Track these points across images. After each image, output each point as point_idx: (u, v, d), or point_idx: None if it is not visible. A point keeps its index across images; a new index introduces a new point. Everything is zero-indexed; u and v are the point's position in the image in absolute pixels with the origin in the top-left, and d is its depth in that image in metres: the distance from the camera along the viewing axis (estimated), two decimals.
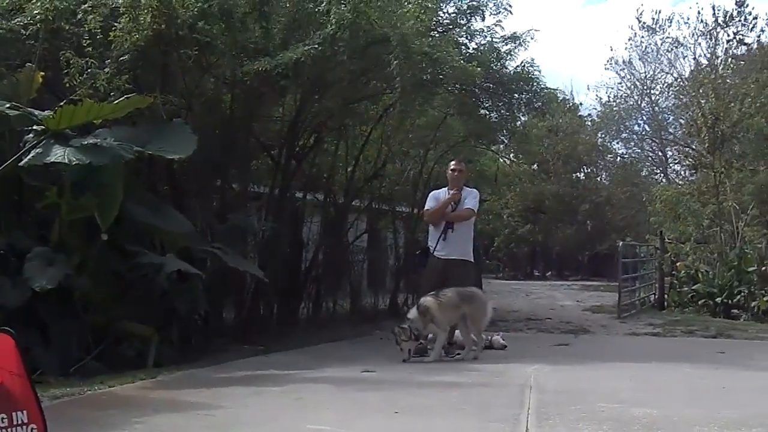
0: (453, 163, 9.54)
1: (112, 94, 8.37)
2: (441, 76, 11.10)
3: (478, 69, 10.56)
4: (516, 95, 12.82)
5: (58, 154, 7.10)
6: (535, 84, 12.62)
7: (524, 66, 12.57)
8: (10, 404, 3.87)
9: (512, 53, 12.36)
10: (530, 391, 6.19)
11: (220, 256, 8.97)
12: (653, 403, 5.61)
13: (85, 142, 7.40)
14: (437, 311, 8.36)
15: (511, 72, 12.68)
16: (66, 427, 4.60)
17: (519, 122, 15.56)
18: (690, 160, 23.20)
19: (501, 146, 19.21)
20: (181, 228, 8.62)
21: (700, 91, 21.45)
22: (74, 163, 7.10)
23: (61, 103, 7.35)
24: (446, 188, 9.32)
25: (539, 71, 12.46)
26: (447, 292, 8.52)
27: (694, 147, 24.60)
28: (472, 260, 9.37)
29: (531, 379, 6.91)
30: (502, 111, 13.63)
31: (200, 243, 9.14)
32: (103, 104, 7.51)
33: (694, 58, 29.92)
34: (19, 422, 3.89)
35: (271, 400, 5.96)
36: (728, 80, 23.30)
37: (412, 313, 8.53)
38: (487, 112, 13.96)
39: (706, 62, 27.64)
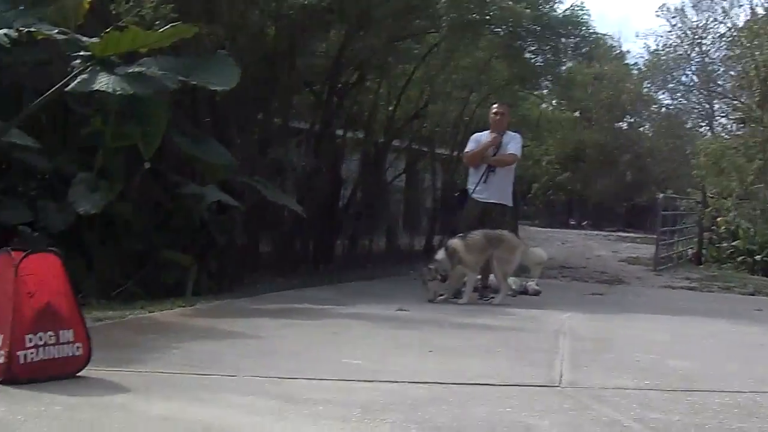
0: (495, 106, 9.42)
1: (157, 22, 8.32)
2: (488, 17, 10.95)
3: (527, 10, 10.41)
4: (563, 39, 12.65)
5: (103, 82, 7.12)
6: (583, 28, 12.44)
7: (573, 9, 12.40)
8: (56, 323, 3.97)
9: None
10: (564, 338, 6.20)
11: (260, 189, 9.02)
12: (689, 356, 5.59)
13: (130, 71, 7.41)
14: (464, 252, 8.35)
15: (560, 15, 12.48)
16: (109, 348, 4.69)
17: (564, 67, 15.35)
18: (738, 113, 22.71)
19: (544, 91, 19.01)
20: (222, 160, 8.65)
21: (755, 42, 20.87)
22: (118, 92, 7.11)
23: (107, 30, 7.32)
24: (488, 131, 9.23)
25: (588, 15, 12.27)
26: (475, 234, 8.51)
27: (743, 100, 24.07)
28: (511, 205, 9.34)
29: (565, 325, 6.92)
30: (548, 55, 13.48)
31: (240, 175, 9.18)
32: (149, 32, 7.47)
33: (751, 8, 29.10)
34: (66, 341, 3.99)
35: (307, 332, 6.03)
36: None
37: (440, 254, 8.55)
38: (533, 56, 13.79)
39: (764, 12, 26.87)
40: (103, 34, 7.30)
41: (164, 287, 8.12)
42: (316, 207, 11.47)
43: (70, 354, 3.99)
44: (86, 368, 4.07)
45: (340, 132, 12.92)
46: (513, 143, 9.06)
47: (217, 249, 9.18)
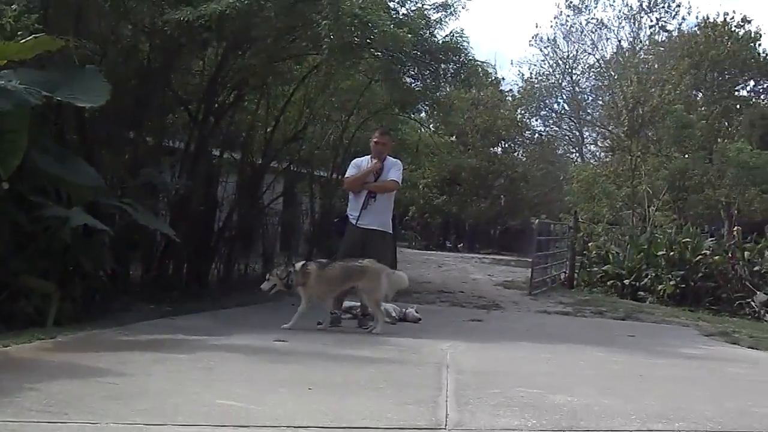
0: (377, 134, 9.29)
1: (20, 33, 7.82)
2: (369, 40, 10.81)
3: (409, 35, 10.32)
4: (443, 65, 12.62)
5: None
6: (463, 55, 12.44)
7: (453, 36, 12.38)
8: None
9: (442, 22, 12.16)
10: (447, 371, 6.05)
11: (130, 212, 8.55)
12: (572, 389, 5.52)
13: None
14: (314, 280, 8.28)
15: (440, 41, 12.48)
16: None
17: (443, 93, 15.41)
18: (607, 142, 23.57)
19: (423, 115, 19.07)
20: (89, 181, 8.16)
21: (622, 73, 21.71)
22: None
23: None
24: (369, 156, 9.09)
25: (468, 42, 12.28)
26: (334, 266, 8.47)
27: (611, 129, 24.98)
28: (391, 231, 9.22)
29: (447, 357, 6.78)
30: (428, 80, 13.43)
31: (109, 197, 8.70)
32: (9, 43, 6.99)
33: (617, 41, 30.35)
34: None
35: (179, 368, 5.67)
36: (649, 65, 23.71)
37: (298, 265, 8.47)
38: (413, 81, 13.75)
39: (629, 45, 28.08)
40: None
41: (24, 317, 7.56)
42: (190, 230, 11.06)
43: None
44: None
45: (216, 152, 12.52)
46: (394, 170, 8.95)
47: (82, 274, 8.66)
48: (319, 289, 8.33)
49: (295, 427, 4.04)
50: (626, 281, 16.55)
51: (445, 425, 4.26)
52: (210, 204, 12.39)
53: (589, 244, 18.91)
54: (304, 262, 8.65)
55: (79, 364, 5.57)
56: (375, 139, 9.10)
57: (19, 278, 7.67)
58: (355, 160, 9.33)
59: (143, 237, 10.38)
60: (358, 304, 8.98)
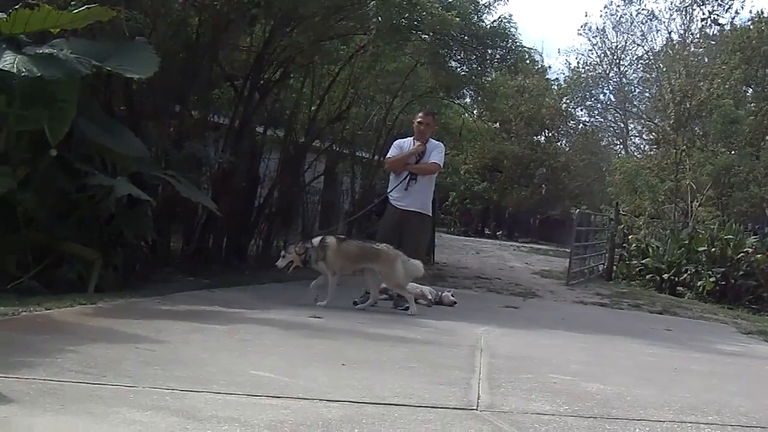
0: (421, 115, 9.26)
1: (72, 2, 7.91)
2: (417, 22, 10.81)
3: (456, 19, 10.30)
4: (490, 50, 12.59)
5: (8, 61, 6.69)
6: (510, 41, 12.40)
7: (501, 21, 12.36)
8: None
9: (491, 6, 12.12)
10: (481, 354, 6.05)
11: (173, 184, 8.66)
12: (605, 378, 5.50)
13: (40, 51, 7.00)
14: (333, 253, 8.22)
15: (488, 26, 12.44)
16: None
17: (489, 78, 15.34)
18: (652, 134, 23.26)
19: (467, 101, 19.01)
20: (135, 151, 8.26)
21: (671, 66, 21.39)
22: (23, 74, 6.69)
23: (17, 6, 6.89)
24: (411, 138, 9.08)
25: (516, 28, 12.26)
26: (352, 243, 8.54)
27: (657, 122, 24.66)
28: (430, 214, 9.21)
29: (481, 340, 6.78)
30: (474, 65, 13.43)
31: (154, 169, 8.80)
32: (62, 12, 7.08)
33: (668, 33, 29.92)
34: None
35: (214, 338, 5.73)
36: (699, 59, 23.32)
37: (315, 240, 8.39)
38: (458, 65, 13.73)
39: (679, 38, 27.63)
40: (11, 10, 6.87)
41: (66, 282, 7.71)
42: (231, 205, 11.15)
43: None
44: None
45: (260, 129, 12.60)
46: (436, 152, 8.93)
47: (125, 244, 8.79)
48: (338, 263, 8.27)
49: (327, 400, 4.07)
50: (665, 276, 16.41)
51: (477, 406, 4.27)
52: (252, 180, 12.49)
53: (629, 237, 18.74)
54: (322, 236, 8.58)
55: (118, 330, 5.66)
56: (418, 120, 9.08)
57: (62, 244, 7.80)
58: (397, 141, 9.33)
59: (185, 209, 10.50)
60: None
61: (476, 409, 4.21)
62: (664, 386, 5.47)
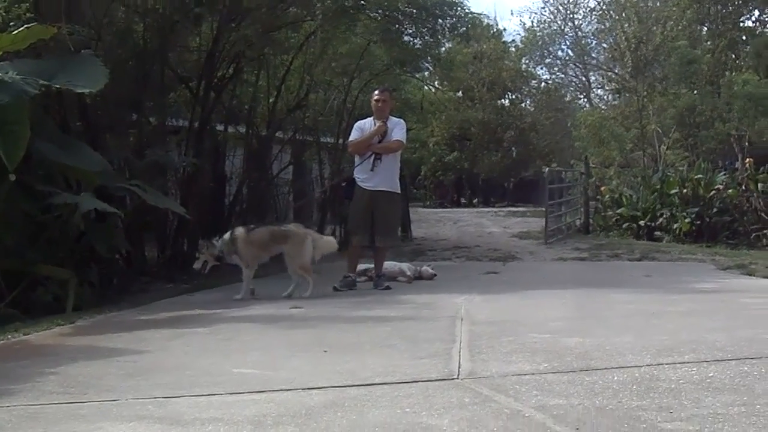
0: (376, 93, 9.24)
1: (12, 24, 7.83)
2: (363, 2, 10.79)
3: None
4: (440, 20, 12.59)
5: None
6: (459, 9, 12.40)
7: None
8: None
9: None
10: (461, 323, 6.10)
11: (139, 194, 8.62)
12: (585, 331, 5.57)
13: None
14: (242, 244, 8.23)
15: None
16: None
17: (443, 49, 15.35)
18: (613, 84, 23.36)
19: (426, 74, 19.01)
20: (95, 165, 8.22)
21: (623, 14, 21.46)
22: None
23: None
24: (371, 118, 9.07)
25: None
26: (261, 229, 8.49)
27: (617, 71, 24.76)
28: (399, 191, 9.21)
29: (462, 310, 6.83)
30: (426, 37, 13.43)
31: (118, 180, 8.77)
32: (2, 34, 7.01)
33: None
34: None
35: (196, 342, 5.75)
36: (650, 3, 23.39)
37: (226, 235, 8.39)
38: (411, 39, 13.72)
39: None
40: None
41: (43, 305, 7.69)
42: (201, 207, 11.13)
43: None
44: None
45: (220, 128, 12.55)
46: (398, 129, 8.90)
47: (98, 259, 8.76)
48: (250, 253, 8.25)
49: (309, 388, 4.10)
50: (642, 222, 16.55)
51: (458, 375, 4.32)
52: (219, 179, 12.47)
53: (602, 189, 18.86)
54: (231, 230, 8.56)
55: (99, 345, 5.67)
56: (375, 98, 9.06)
57: (35, 267, 7.77)
58: (358, 123, 9.32)
59: (155, 217, 10.46)
60: (373, 266, 9.05)
61: (457, 378, 4.26)
62: (642, 332, 5.55)
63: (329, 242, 8.70)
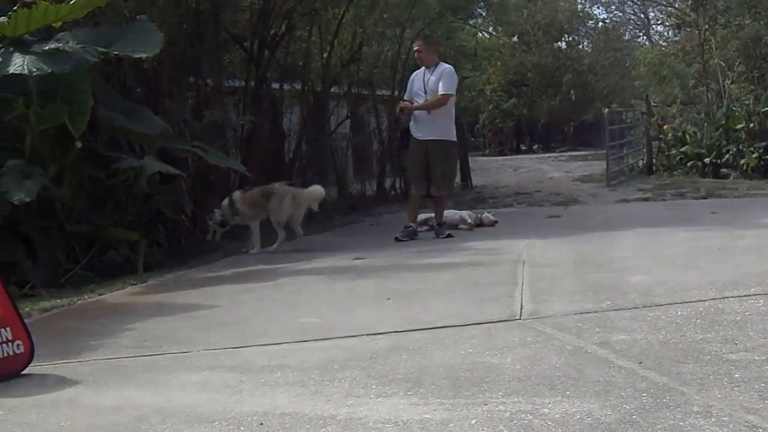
0: (414, 43, 9.28)
1: None
2: None
3: None
4: None
5: (18, 63, 6.79)
6: None
7: None
8: None
9: None
10: (523, 267, 6.13)
11: (201, 155, 8.79)
12: (649, 269, 5.56)
13: (46, 48, 7.09)
14: (241, 205, 8.61)
15: None
16: (55, 339, 4.54)
17: None
18: (673, 19, 22.72)
19: (479, 19, 18.78)
20: (157, 129, 8.38)
21: None
22: (35, 73, 6.80)
23: (15, 7, 6.98)
24: (423, 68, 9.01)
25: None
26: (253, 190, 8.81)
27: (676, 5, 24.07)
28: (455, 139, 9.16)
29: (524, 254, 6.84)
30: None
31: (179, 142, 8.93)
32: (60, 5, 7.14)
33: None
34: (4, 339, 3.81)
35: (263, 295, 5.89)
36: None
37: (225, 202, 8.75)
38: None
39: None
40: (11, 12, 6.96)
41: (115, 266, 7.93)
42: (261, 164, 11.24)
43: (11, 353, 3.81)
44: (32, 365, 3.90)
45: (276, 85, 12.64)
46: (444, 80, 8.74)
47: (165, 220, 8.99)
48: (250, 212, 8.63)
49: (374, 334, 4.20)
50: (707, 160, 16.25)
51: (520, 315, 4.37)
52: (277, 137, 12.57)
53: (665, 127, 18.51)
54: (229, 196, 8.90)
55: (170, 302, 5.85)
56: (414, 49, 9.11)
57: (105, 231, 8.01)
58: (412, 75, 9.26)
59: (217, 177, 10.63)
60: (433, 215, 9.10)
61: (519, 318, 4.31)
62: (707, 268, 5.52)
63: (312, 192, 8.94)
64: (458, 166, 12.17)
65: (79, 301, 6.04)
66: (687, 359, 3.35)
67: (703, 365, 3.26)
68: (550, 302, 4.66)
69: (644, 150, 18.29)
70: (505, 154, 35.32)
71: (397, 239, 8.61)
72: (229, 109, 11.24)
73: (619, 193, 13.51)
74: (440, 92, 8.66)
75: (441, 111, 8.76)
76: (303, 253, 8.05)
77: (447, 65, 8.99)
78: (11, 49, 7.01)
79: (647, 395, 2.93)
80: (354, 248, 8.04)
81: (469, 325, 4.23)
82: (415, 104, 8.78)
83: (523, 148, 39.28)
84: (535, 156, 32.83)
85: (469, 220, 9.48)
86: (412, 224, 8.83)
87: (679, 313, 4.15)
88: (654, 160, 17.78)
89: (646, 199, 12.27)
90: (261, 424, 2.92)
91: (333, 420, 2.90)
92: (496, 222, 9.57)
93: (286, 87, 12.85)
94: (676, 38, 25.74)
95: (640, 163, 18.49)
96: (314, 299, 5.53)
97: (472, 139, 33.41)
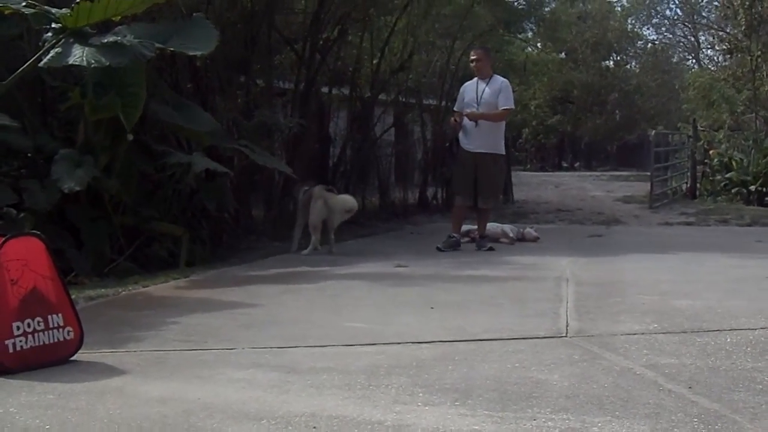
0: (472, 52, 9.27)
1: None
2: None
3: None
4: None
5: (77, 54, 6.88)
6: None
7: None
8: (44, 308, 3.83)
9: None
10: (567, 284, 6.10)
11: (248, 154, 8.85)
12: (695, 294, 5.50)
13: (105, 41, 7.18)
14: (300, 206, 8.78)
15: None
16: (103, 329, 4.58)
17: (547, 9, 15.10)
18: (725, 44, 22.49)
19: (529, 34, 18.74)
20: (206, 126, 8.46)
21: None
22: (93, 65, 6.89)
23: (78, 1, 7.09)
24: (475, 79, 9.01)
25: None
26: (306, 192, 8.78)
27: (728, 31, 23.80)
28: (503, 153, 9.16)
29: (567, 271, 6.81)
30: None
31: (227, 141, 9.00)
32: (121, 0, 7.24)
33: None
34: (55, 325, 3.86)
35: (306, 297, 5.91)
36: None
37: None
38: None
39: None
40: (73, 5, 7.07)
41: (158, 260, 8.01)
42: (305, 167, 11.31)
43: (61, 339, 3.86)
44: (79, 352, 3.95)
45: (325, 89, 12.71)
46: (503, 94, 8.73)
47: (208, 217, 9.05)
48: (304, 215, 8.68)
49: (419, 342, 4.20)
50: (752, 188, 16.02)
51: (566, 333, 4.34)
52: (323, 140, 12.66)
53: (711, 152, 18.27)
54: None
55: (214, 298, 5.90)
56: (471, 57, 9.11)
57: (151, 224, 8.09)
58: (463, 86, 9.27)
59: (262, 177, 10.71)
60: (476, 227, 9.07)
61: (566, 336, 4.29)
62: (755, 296, 5.45)
63: (343, 201, 8.83)
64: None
65: (124, 292, 6.10)
66: (738, 387, 3.31)
67: (755, 394, 3.22)
68: (596, 321, 4.63)
69: (688, 174, 18.08)
70: (546, 170, 35.13)
71: (438, 249, 8.60)
72: (277, 110, 11.32)
73: (662, 216, 13.38)
74: (502, 106, 8.70)
75: (492, 124, 8.76)
76: (345, 257, 8.08)
77: (503, 78, 9.00)
78: (71, 40, 7.10)
79: (698, 421, 2.89)
80: (395, 255, 8.05)
81: (515, 339, 4.21)
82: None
83: (565, 165, 39.05)
84: (576, 174, 32.60)
85: (511, 234, 9.46)
86: (455, 235, 8.83)
87: (728, 339, 4.10)
88: (698, 185, 17.58)
89: (689, 224, 12.14)
90: (313, 427, 2.91)
91: (381, 425, 2.89)
92: (538, 238, 9.52)
93: (334, 91, 12.92)
94: (726, 63, 25.46)
95: (684, 187, 18.28)
96: (357, 304, 5.53)
97: (515, 153, 33.25)
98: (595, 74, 36.54)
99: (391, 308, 5.33)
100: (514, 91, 9.93)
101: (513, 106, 9.00)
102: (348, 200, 8.93)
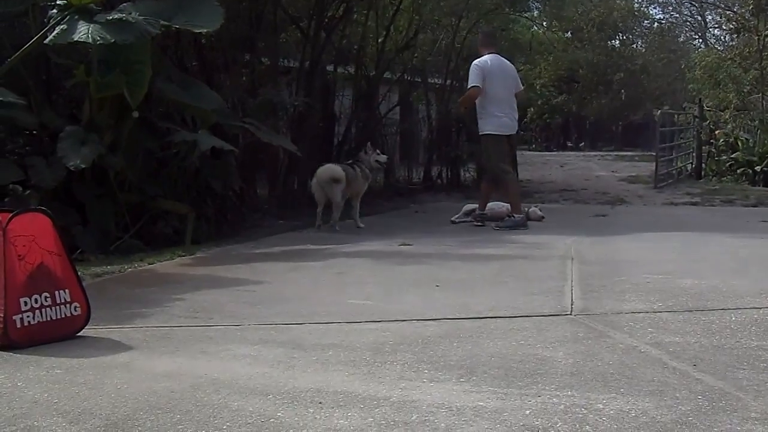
0: None
1: None
2: None
3: None
4: None
5: (82, 31, 6.87)
6: None
7: None
8: (51, 283, 3.86)
9: None
10: (572, 263, 6.10)
11: (253, 131, 8.85)
12: (699, 273, 5.50)
13: (110, 18, 7.16)
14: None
15: None
16: (109, 305, 4.61)
17: None
18: (732, 24, 22.32)
19: (535, 13, 18.64)
20: (212, 104, 8.45)
21: None
22: (98, 42, 6.88)
23: None
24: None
25: None
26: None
27: (735, 10, 23.63)
28: (486, 132, 9.07)
29: (571, 250, 6.82)
30: None
31: (232, 119, 8.98)
32: None
33: None
34: (62, 301, 3.89)
35: (311, 275, 5.93)
36: None
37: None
38: None
39: None
40: None
41: (163, 237, 8.03)
42: (311, 145, 11.30)
43: (68, 314, 3.89)
44: (86, 327, 3.98)
45: (330, 68, 12.67)
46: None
47: (214, 195, 9.06)
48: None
49: (424, 319, 4.22)
50: (758, 168, 15.95)
51: (571, 311, 4.35)
52: (328, 119, 12.63)
53: (717, 132, 18.21)
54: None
55: (219, 275, 5.92)
56: None
57: (156, 202, 8.10)
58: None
59: (267, 155, 10.70)
60: (477, 206, 9.14)
61: (570, 314, 4.30)
62: (760, 276, 5.45)
63: (320, 172, 8.77)
64: None
65: (130, 269, 6.14)
66: (742, 365, 3.32)
67: (759, 372, 3.23)
68: (601, 300, 4.64)
69: (694, 154, 18.03)
70: (551, 150, 35.05)
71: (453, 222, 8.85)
72: (282, 88, 11.28)
73: (667, 196, 13.36)
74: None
75: (476, 106, 9.06)
76: (350, 235, 8.09)
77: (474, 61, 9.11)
78: (76, 17, 7.09)
79: (703, 398, 2.91)
80: (400, 234, 8.04)
81: (520, 317, 4.23)
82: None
83: (570, 144, 38.95)
84: (581, 153, 32.53)
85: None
86: (519, 215, 8.87)
87: (732, 318, 4.11)
88: (703, 165, 17.53)
89: (694, 204, 12.12)
90: (318, 402, 2.93)
91: (386, 401, 2.91)
92: (543, 217, 9.51)
93: (339, 70, 12.88)
94: (733, 42, 25.31)
95: (689, 167, 18.25)
96: (362, 282, 5.55)
97: (521, 133, 33.16)
98: (601, 54, 36.36)
99: (396, 286, 5.35)
100: (518, 70, 9.95)
101: (473, 84, 8.95)
102: (325, 169, 8.77)
